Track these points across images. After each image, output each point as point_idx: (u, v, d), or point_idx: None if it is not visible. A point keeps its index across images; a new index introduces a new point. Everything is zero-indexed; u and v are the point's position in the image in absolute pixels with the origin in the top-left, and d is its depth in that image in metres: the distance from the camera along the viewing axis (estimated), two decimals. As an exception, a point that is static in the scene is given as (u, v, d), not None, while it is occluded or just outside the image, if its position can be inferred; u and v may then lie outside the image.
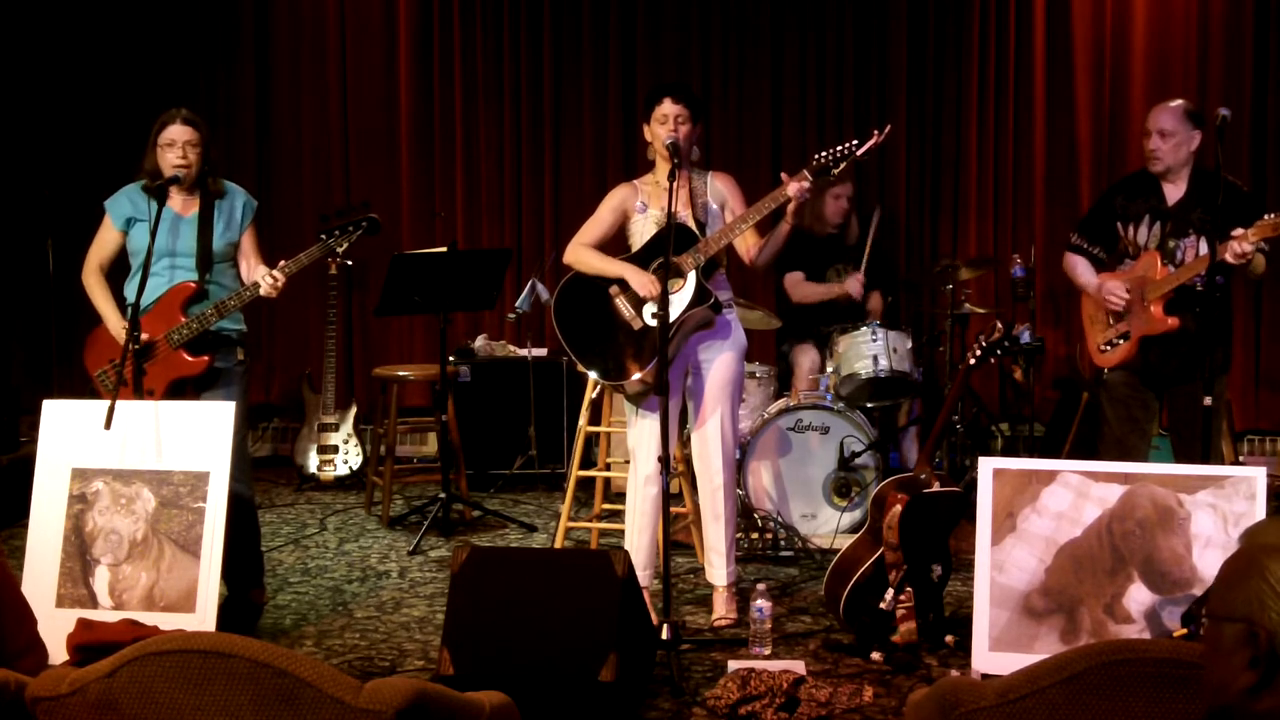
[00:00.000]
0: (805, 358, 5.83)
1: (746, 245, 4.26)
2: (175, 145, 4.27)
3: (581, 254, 4.31)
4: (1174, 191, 4.55)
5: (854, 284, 5.82)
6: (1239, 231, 4.22)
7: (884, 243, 6.66)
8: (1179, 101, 4.61)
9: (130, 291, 4.32)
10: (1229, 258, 4.22)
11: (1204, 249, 4.41)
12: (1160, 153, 4.51)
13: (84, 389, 4.49)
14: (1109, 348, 4.60)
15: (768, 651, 3.94)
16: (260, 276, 4.23)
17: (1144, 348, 4.52)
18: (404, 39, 7.29)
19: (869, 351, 5.46)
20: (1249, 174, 6.63)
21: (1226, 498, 3.66)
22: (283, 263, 4.26)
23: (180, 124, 4.28)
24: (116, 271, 4.42)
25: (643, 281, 4.17)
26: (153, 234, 4.18)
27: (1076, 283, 4.75)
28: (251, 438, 6.87)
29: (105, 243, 4.41)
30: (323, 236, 4.38)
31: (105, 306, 4.36)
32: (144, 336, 4.20)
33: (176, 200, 4.34)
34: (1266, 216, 4.22)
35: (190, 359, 4.29)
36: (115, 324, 4.31)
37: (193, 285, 4.29)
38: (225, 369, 4.35)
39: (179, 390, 4.30)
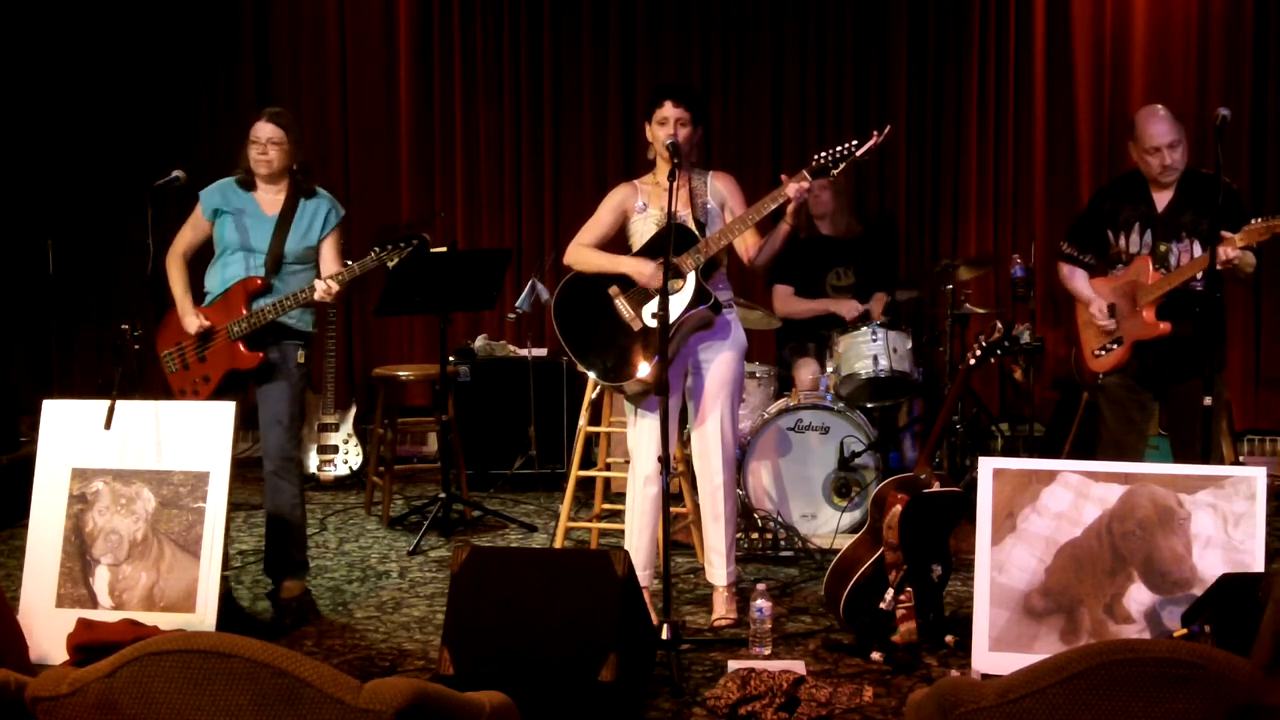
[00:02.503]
0: (807, 371, 5.80)
1: (746, 245, 4.25)
2: (259, 142, 4.46)
3: (583, 253, 4.31)
4: (1163, 196, 4.53)
5: (850, 308, 5.80)
6: (1227, 235, 4.20)
7: (883, 245, 6.68)
8: (1160, 108, 4.53)
9: (209, 281, 4.55)
10: (1217, 265, 4.20)
11: (1198, 251, 4.40)
12: (1176, 164, 4.44)
13: (83, 389, 4.53)
14: (1103, 352, 4.60)
15: (768, 651, 3.94)
16: (317, 281, 4.41)
17: (1138, 352, 4.52)
18: (404, 39, 7.29)
19: (869, 351, 5.46)
20: (1249, 174, 6.65)
21: (1226, 498, 3.66)
22: (338, 270, 4.43)
23: (266, 121, 4.48)
24: (200, 260, 4.62)
25: (647, 271, 4.14)
26: (150, 232, 4.31)
27: (1071, 293, 4.74)
28: (251, 438, 6.87)
29: (192, 230, 4.58)
30: (376, 249, 4.50)
31: (179, 287, 4.55)
32: (206, 323, 4.43)
33: (263, 195, 4.52)
34: (1254, 221, 4.20)
35: (246, 352, 4.44)
36: (184, 303, 4.51)
37: (259, 281, 4.45)
38: (284, 368, 4.52)
39: (236, 382, 4.48)
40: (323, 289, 4.37)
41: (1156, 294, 4.42)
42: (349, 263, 4.47)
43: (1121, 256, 4.59)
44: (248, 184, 4.51)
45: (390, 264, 4.53)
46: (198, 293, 4.56)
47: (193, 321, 4.44)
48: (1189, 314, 4.41)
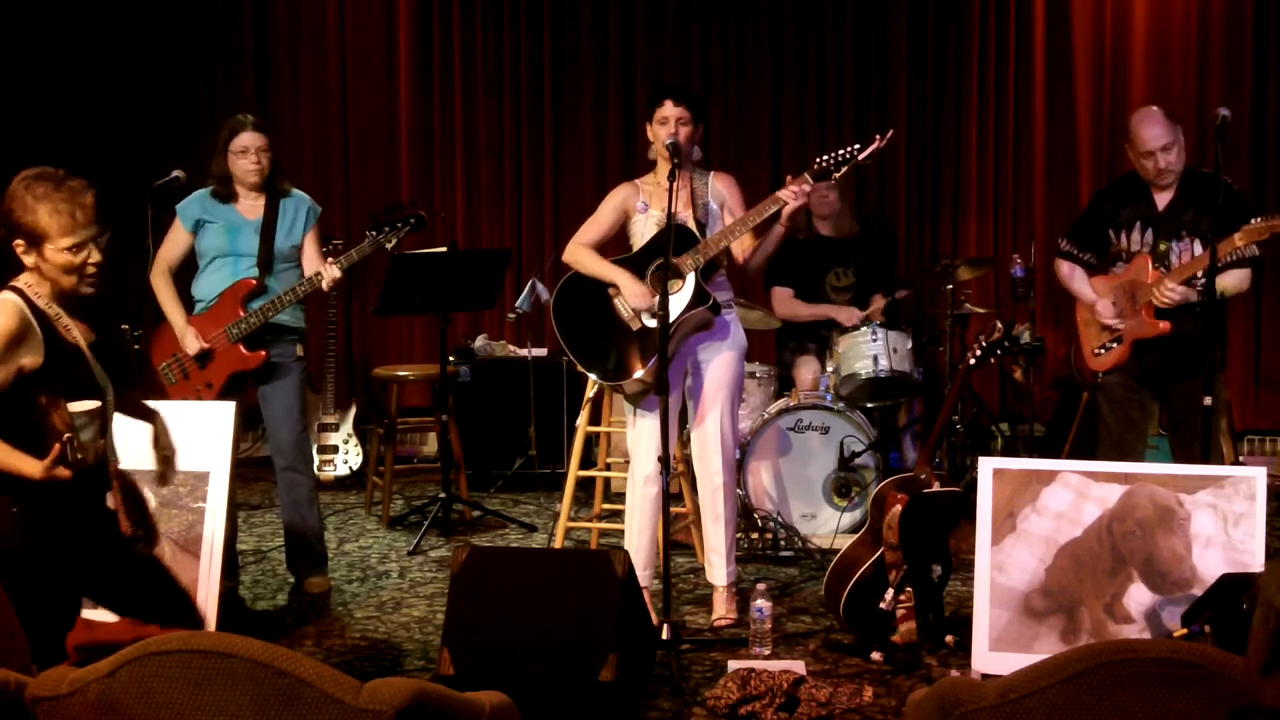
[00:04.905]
0: (808, 370, 5.80)
1: (743, 246, 4.23)
2: (249, 152, 4.48)
3: (580, 255, 4.31)
4: (1163, 195, 4.53)
5: (849, 315, 5.80)
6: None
7: (883, 245, 6.68)
8: (1156, 110, 4.52)
9: (198, 289, 4.57)
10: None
11: (1199, 250, 4.40)
12: (1172, 166, 4.44)
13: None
14: (1103, 351, 4.60)
15: (768, 651, 3.94)
16: (321, 268, 4.45)
17: (1138, 350, 4.52)
18: (404, 39, 7.29)
19: (869, 351, 5.46)
20: (1249, 174, 6.64)
21: (1226, 498, 3.66)
22: (339, 258, 4.48)
23: (252, 130, 4.50)
24: (185, 273, 4.64)
25: (637, 291, 4.16)
26: (150, 233, 4.34)
27: (1071, 291, 4.74)
28: (251, 438, 6.87)
29: (174, 244, 4.59)
30: (372, 233, 4.55)
31: (170, 305, 4.57)
32: (205, 345, 4.47)
33: (244, 203, 4.55)
34: (1254, 220, 4.20)
35: (247, 353, 4.48)
36: (179, 322, 4.53)
37: (252, 282, 4.49)
38: (284, 364, 4.57)
39: (238, 384, 4.51)
40: (330, 275, 4.42)
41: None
42: (338, 246, 4.52)
43: (1123, 255, 4.59)
44: (226, 195, 4.52)
45: (388, 246, 4.56)
46: (187, 303, 4.58)
47: (193, 344, 4.47)
48: (1189, 312, 4.40)
